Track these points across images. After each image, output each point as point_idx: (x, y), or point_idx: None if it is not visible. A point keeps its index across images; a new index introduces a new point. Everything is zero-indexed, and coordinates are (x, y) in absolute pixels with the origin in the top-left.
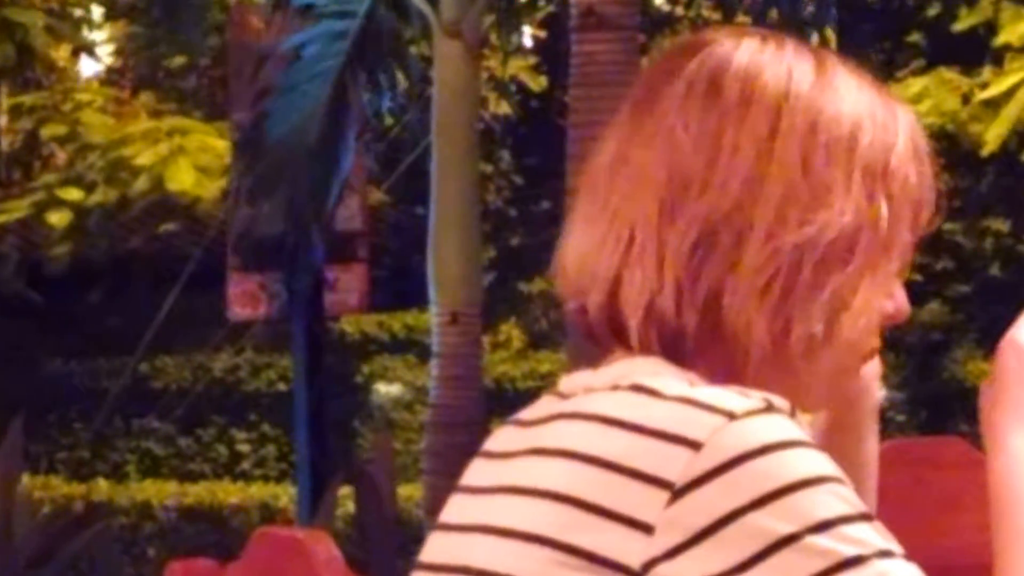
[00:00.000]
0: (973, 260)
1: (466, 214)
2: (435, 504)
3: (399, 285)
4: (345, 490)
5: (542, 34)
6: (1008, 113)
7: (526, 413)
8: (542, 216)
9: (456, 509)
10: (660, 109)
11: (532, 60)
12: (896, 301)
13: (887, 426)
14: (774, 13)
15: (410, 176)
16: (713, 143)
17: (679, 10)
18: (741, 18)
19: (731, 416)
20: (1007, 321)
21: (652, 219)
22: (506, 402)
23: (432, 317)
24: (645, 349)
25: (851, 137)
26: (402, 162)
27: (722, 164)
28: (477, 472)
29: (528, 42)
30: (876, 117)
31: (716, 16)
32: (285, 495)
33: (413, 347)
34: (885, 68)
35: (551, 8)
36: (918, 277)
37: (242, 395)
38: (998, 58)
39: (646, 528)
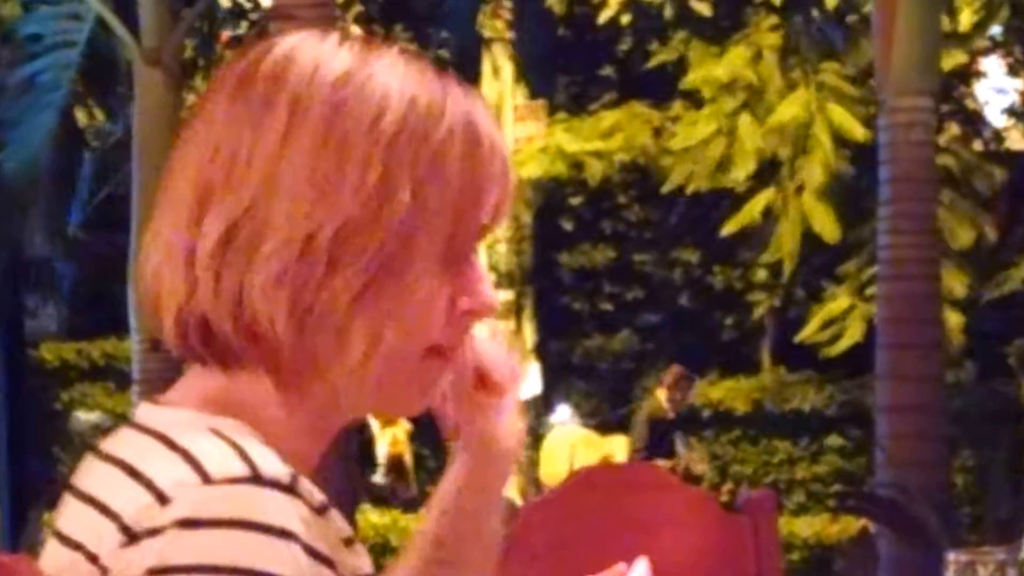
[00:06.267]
0: (663, 290)
1: None
2: None
3: (97, 313)
4: (48, 515)
5: None
6: (693, 155)
7: (104, 443)
8: None
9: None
10: (201, 116)
11: None
12: (477, 297)
13: None
14: None
15: (108, 203)
16: (233, 150)
17: None
18: None
19: (206, 478)
20: (695, 350)
21: (181, 227)
22: None
23: (133, 344)
24: (196, 357)
25: (372, 129)
26: (101, 189)
27: (240, 168)
28: (61, 506)
29: None
30: (417, 106)
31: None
32: None
33: (112, 374)
34: (577, 101)
35: (252, 34)
36: (609, 307)
37: None
38: (688, 93)
39: (103, 569)
